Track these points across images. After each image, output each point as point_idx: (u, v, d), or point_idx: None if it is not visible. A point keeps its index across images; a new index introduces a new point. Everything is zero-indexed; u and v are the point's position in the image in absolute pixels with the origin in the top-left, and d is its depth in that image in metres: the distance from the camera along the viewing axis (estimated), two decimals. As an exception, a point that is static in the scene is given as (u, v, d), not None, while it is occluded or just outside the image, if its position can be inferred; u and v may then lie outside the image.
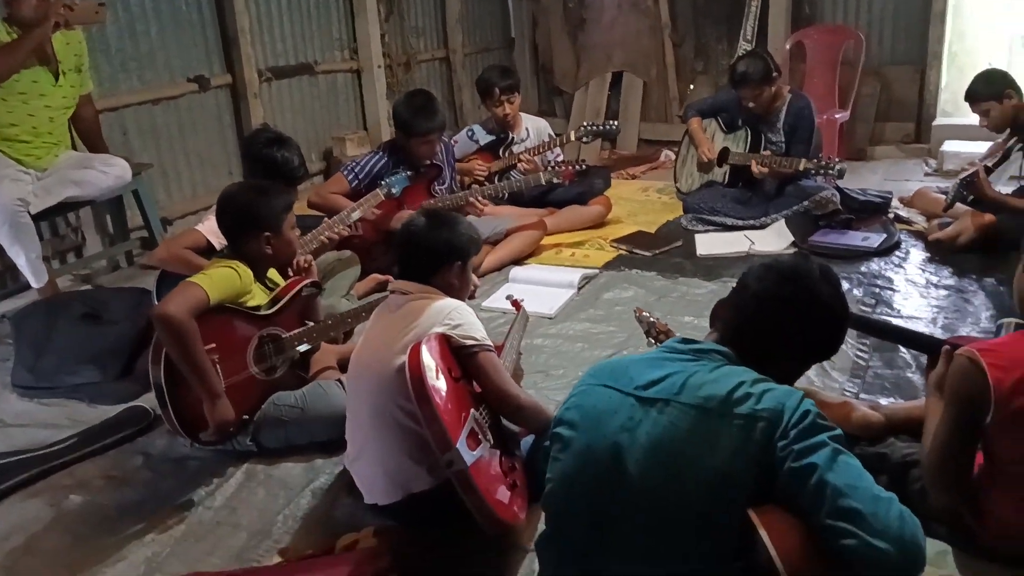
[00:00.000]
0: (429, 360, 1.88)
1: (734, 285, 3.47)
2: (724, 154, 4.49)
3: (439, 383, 1.88)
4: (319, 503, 2.29)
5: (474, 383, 2.07)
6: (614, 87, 6.93)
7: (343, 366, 2.81)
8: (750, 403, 1.41)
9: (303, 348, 2.66)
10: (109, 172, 3.80)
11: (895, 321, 3.15)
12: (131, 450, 2.61)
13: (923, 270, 3.67)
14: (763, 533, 1.35)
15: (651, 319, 2.26)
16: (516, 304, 2.97)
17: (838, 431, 1.40)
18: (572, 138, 4.49)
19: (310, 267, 2.98)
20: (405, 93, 4.04)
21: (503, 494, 1.92)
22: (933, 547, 1.73)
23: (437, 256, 2.18)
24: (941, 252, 3.80)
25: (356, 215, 3.55)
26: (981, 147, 4.89)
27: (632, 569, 1.45)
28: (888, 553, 1.25)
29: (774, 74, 4.21)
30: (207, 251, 3.04)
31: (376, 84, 5.91)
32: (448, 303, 2.09)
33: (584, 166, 4.20)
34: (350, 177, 3.84)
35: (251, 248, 2.59)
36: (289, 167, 3.19)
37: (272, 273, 2.76)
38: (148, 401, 2.74)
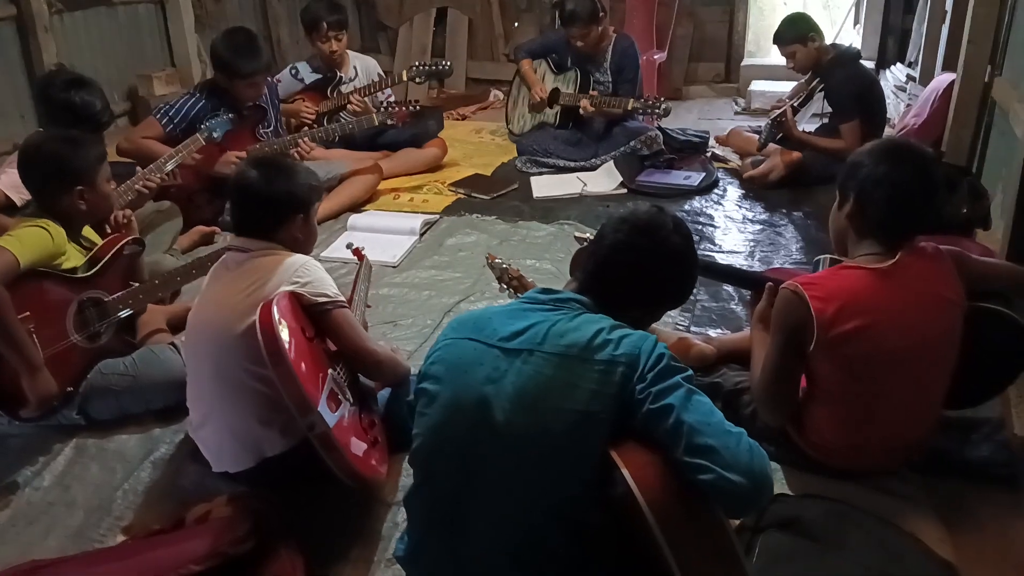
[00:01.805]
0: (281, 321, 1.81)
1: (569, 227, 3.61)
2: (555, 95, 4.55)
3: (294, 344, 1.80)
4: (162, 475, 2.18)
5: (328, 341, 2.01)
6: (439, 23, 6.81)
7: (174, 327, 2.65)
8: (609, 349, 1.46)
9: (129, 311, 2.47)
10: None
11: (717, 256, 3.37)
12: (-61, 432, 2.35)
13: (739, 206, 3.93)
14: (624, 472, 1.42)
15: (503, 265, 2.27)
16: (358, 253, 2.88)
17: (689, 372, 1.48)
18: (404, 78, 4.38)
19: (130, 222, 2.79)
20: (224, 31, 3.77)
21: (365, 451, 1.90)
22: (765, 466, 1.90)
23: (277, 210, 2.04)
24: (754, 189, 4.08)
25: (174, 163, 3.31)
26: (785, 86, 5.25)
27: (499, 510, 1.49)
28: (741, 484, 1.34)
29: (601, 13, 4.29)
30: (7, 208, 2.76)
31: (183, 17, 5.47)
32: (295, 260, 1.99)
33: (418, 107, 4.12)
34: (164, 121, 3.57)
35: (62, 204, 2.37)
36: (91, 112, 2.94)
37: (87, 231, 2.55)
38: (-49, 377, 2.47)
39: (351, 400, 1.95)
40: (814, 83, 4.02)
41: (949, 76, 4.07)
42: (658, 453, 1.44)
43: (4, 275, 2.09)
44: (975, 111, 3.79)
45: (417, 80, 4.46)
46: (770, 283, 2.10)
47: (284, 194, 2.05)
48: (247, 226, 2.07)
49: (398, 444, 2.11)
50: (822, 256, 2.12)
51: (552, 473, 1.46)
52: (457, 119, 5.71)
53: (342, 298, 2.01)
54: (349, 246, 2.90)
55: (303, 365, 1.79)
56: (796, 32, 3.97)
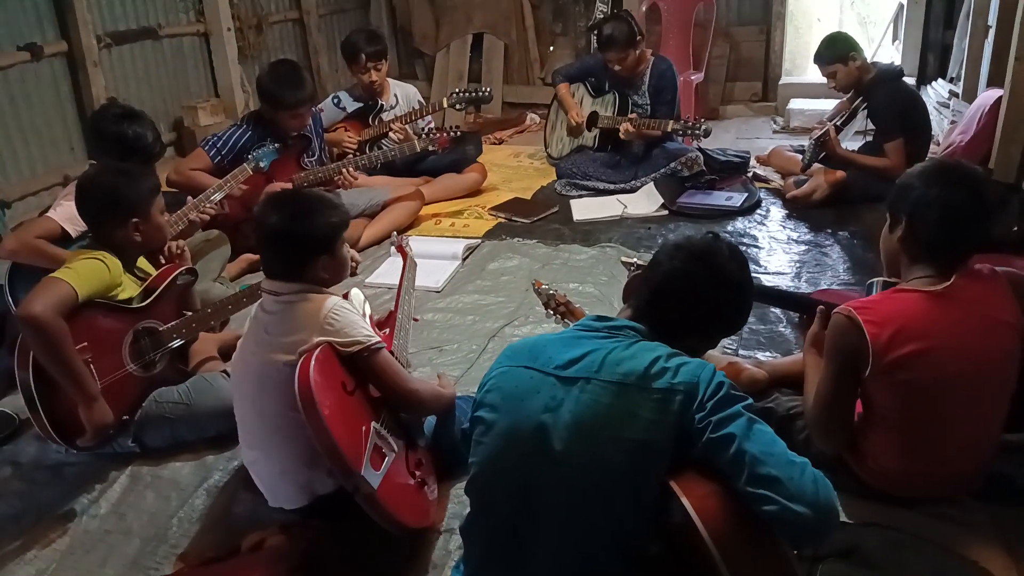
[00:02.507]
0: (321, 385, 1.78)
1: (611, 249, 3.59)
2: (593, 118, 4.56)
3: (333, 406, 1.78)
4: (216, 502, 2.19)
5: (371, 387, 1.99)
6: (475, 49, 6.87)
7: (224, 354, 2.69)
8: (667, 377, 1.45)
9: (182, 340, 2.51)
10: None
11: (763, 278, 3.33)
12: (-2, 460, 2.41)
13: (783, 227, 3.89)
14: (684, 501, 1.41)
15: (550, 291, 2.27)
16: (401, 249, 2.77)
17: (749, 400, 1.47)
18: (445, 105, 4.41)
19: (183, 253, 2.83)
20: (269, 64, 3.85)
21: (412, 499, 1.91)
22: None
23: (298, 255, 1.97)
24: (798, 208, 4.03)
25: (222, 193, 3.37)
26: (824, 104, 5.22)
27: (558, 539, 1.48)
28: (806, 515, 1.33)
29: (638, 37, 4.30)
30: (62, 240, 2.82)
31: (226, 48, 5.58)
32: (323, 306, 1.93)
33: (458, 132, 4.15)
34: (212, 152, 3.64)
35: (118, 236, 2.42)
36: (143, 144, 2.99)
37: (142, 261, 2.59)
38: (10, 405, 2.54)
39: (396, 447, 1.92)
40: (857, 102, 3.98)
41: (996, 92, 4.00)
42: (719, 482, 1.43)
43: (62, 306, 2.13)
44: (1023, 128, 3.73)
45: (458, 107, 4.49)
46: (822, 306, 2.08)
47: (301, 238, 1.97)
48: (273, 271, 2.02)
49: (447, 471, 2.12)
50: (875, 279, 2.09)
51: (611, 502, 1.45)
52: (494, 143, 5.74)
53: (375, 337, 1.96)
54: (393, 242, 2.85)
55: (344, 428, 1.78)
56: (836, 52, 3.94)
